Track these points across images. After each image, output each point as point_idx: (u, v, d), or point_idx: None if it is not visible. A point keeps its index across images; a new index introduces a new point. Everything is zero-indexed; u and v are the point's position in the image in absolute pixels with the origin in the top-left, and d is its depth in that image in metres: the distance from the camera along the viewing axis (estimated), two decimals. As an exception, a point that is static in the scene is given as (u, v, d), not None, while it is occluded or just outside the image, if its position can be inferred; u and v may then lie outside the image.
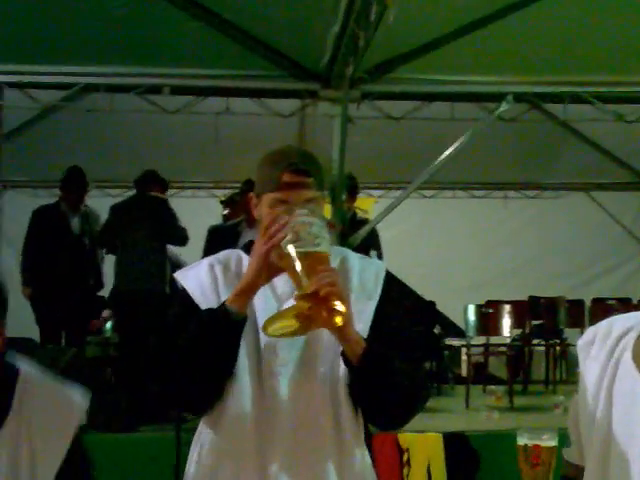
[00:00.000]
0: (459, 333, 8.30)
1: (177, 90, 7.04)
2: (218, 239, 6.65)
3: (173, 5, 5.60)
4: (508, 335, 7.83)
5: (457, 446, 5.38)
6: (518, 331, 8.11)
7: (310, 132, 7.88)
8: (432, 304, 8.38)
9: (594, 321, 1.78)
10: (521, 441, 1.84)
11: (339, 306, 1.81)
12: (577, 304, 8.77)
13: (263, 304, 2.01)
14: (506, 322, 7.67)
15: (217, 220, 7.65)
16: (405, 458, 5.25)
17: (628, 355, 1.64)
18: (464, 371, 8.24)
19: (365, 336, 1.99)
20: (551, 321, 8.49)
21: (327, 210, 5.91)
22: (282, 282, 2.03)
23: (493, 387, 7.44)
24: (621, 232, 10.34)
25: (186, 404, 2.12)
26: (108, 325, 7.62)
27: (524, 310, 8.00)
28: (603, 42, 6.05)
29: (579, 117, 7.78)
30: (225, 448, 2.01)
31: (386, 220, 7.13)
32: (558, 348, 8.63)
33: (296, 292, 1.86)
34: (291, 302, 1.91)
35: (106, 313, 7.42)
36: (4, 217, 8.01)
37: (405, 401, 2.04)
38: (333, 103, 6.61)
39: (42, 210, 7.22)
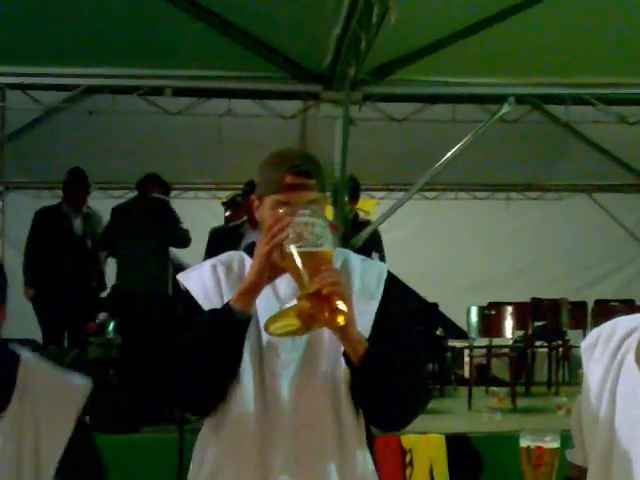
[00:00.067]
0: (461, 335, 8.29)
1: (179, 92, 7.05)
2: (220, 241, 6.65)
3: (175, 6, 5.60)
4: (510, 337, 7.81)
5: (460, 448, 5.37)
6: (520, 333, 8.10)
7: (312, 134, 7.88)
8: (434, 305, 8.37)
9: (597, 323, 1.79)
10: (524, 443, 1.84)
11: (341, 305, 1.81)
12: (580, 306, 8.76)
13: (265, 305, 2.02)
14: (508, 324, 7.66)
15: (219, 222, 7.65)
16: (408, 459, 5.25)
17: (631, 357, 1.64)
18: (466, 373, 8.24)
19: (366, 337, 1.99)
20: (554, 323, 8.48)
21: (329, 212, 5.90)
22: (284, 284, 2.04)
23: (495, 389, 7.42)
24: (623, 234, 10.33)
25: (190, 405, 2.13)
26: (110, 326, 7.61)
27: (526, 312, 7.99)
28: (605, 44, 6.04)
29: (581, 119, 7.78)
30: (228, 449, 2.01)
31: (388, 222, 7.13)
32: (561, 350, 8.62)
33: (298, 292, 1.86)
34: (293, 303, 1.91)
35: (102, 316, 7.39)
36: (6, 218, 7.99)
37: (406, 402, 2.04)
38: (335, 105, 6.61)
39: (44, 211, 7.23)
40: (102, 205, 7.64)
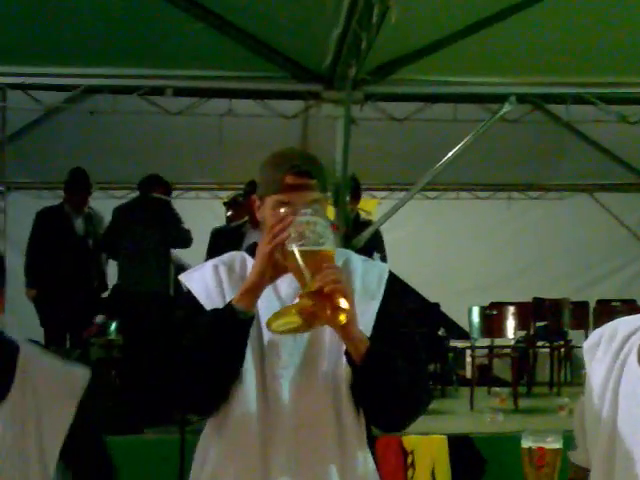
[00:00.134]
0: (463, 335, 8.29)
1: (180, 92, 7.04)
2: (221, 241, 6.65)
3: (176, 7, 5.60)
4: (512, 337, 7.81)
5: (462, 448, 5.37)
6: (522, 333, 8.10)
7: (313, 133, 7.88)
8: (436, 306, 8.38)
9: (598, 323, 1.79)
10: (525, 443, 1.83)
11: (343, 303, 1.81)
12: (581, 306, 8.76)
13: (266, 305, 2.01)
14: (510, 324, 7.66)
15: (220, 222, 7.65)
16: (409, 460, 5.25)
17: (633, 357, 1.64)
18: (468, 373, 8.23)
19: (367, 336, 1.99)
20: (555, 323, 8.48)
21: (330, 212, 5.90)
22: (285, 284, 2.04)
23: (497, 389, 7.42)
24: (625, 233, 10.32)
25: (193, 405, 2.13)
26: (112, 327, 7.61)
27: (528, 312, 7.99)
28: (606, 43, 6.03)
29: (582, 118, 7.78)
30: (230, 449, 2.01)
31: (389, 221, 7.12)
32: (562, 350, 8.62)
33: (301, 292, 1.86)
34: (296, 302, 1.91)
35: (100, 318, 7.36)
36: (8, 219, 7.99)
37: (407, 402, 2.04)
38: (336, 104, 6.61)
39: (46, 212, 7.23)
40: (103, 205, 7.64)
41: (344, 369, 1.99)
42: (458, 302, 8.34)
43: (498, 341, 7.90)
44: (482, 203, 10.29)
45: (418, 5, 5.39)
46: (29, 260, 7.13)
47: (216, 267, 2.12)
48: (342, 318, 1.83)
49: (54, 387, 1.98)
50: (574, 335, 8.55)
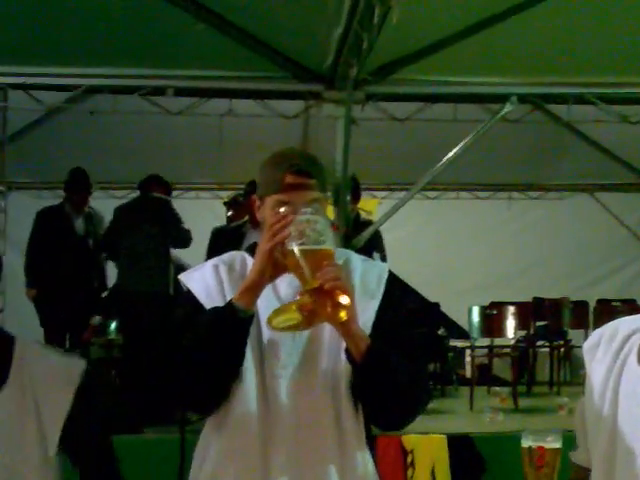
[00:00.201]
0: (463, 334, 8.29)
1: (180, 92, 7.04)
2: (222, 241, 6.65)
3: (176, 6, 5.60)
4: (512, 336, 7.81)
5: (461, 448, 5.37)
6: (522, 332, 8.09)
7: (314, 133, 7.87)
8: (436, 305, 8.38)
9: (598, 322, 1.79)
10: (525, 443, 1.84)
11: (344, 300, 1.82)
12: (581, 305, 8.76)
13: (266, 305, 2.01)
14: (510, 323, 7.66)
15: (221, 222, 7.65)
16: (409, 460, 5.25)
17: (633, 357, 1.64)
18: (468, 372, 8.23)
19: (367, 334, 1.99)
20: (555, 322, 8.48)
21: (330, 212, 5.91)
22: (285, 284, 2.04)
23: (497, 389, 7.43)
24: (625, 233, 10.32)
25: (193, 404, 2.13)
26: (112, 327, 7.62)
27: (528, 311, 7.99)
28: (607, 43, 6.03)
29: (583, 118, 7.77)
30: (229, 448, 2.02)
31: (389, 221, 7.12)
32: (562, 350, 8.62)
33: (300, 291, 1.86)
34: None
35: (96, 319, 7.34)
36: (8, 219, 8.00)
37: (406, 401, 2.04)
38: (337, 104, 6.61)
39: (46, 211, 7.23)
40: (103, 205, 7.64)
41: (343, 368, 1.99)
42: (458, 302, 8.34)
43: (498, 341, 7.90)
44: (482, 203, 10.29)
45: (419, 5, 5.39)
46: (29, 260, 7.13)
47: (216, 267, 2.12)
48: (342, 315, 1.83)
49: (51, 375, 2.01)
50: (574, 335, 8.55)
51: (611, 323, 1.73)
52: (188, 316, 2.06)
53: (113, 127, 7.90)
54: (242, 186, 7.05)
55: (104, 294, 7.38)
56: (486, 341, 7.86)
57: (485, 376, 7.96)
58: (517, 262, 10.10)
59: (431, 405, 2.02)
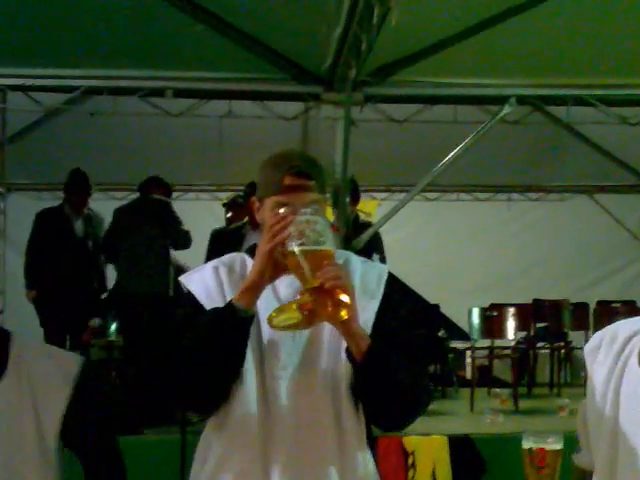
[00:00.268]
0: (463, 336, 8.28)
1: (180, 93, 7.05)
2: (221, 242, 6.65)
3: (176, 8, 5.60)
4: (512, 338, 7.81)
5: (462, 449, 5.37)
6: (522, 334, 8.09)
7: (313, 135, 7.88)
8: (436, 307, 8.37)
9: (598, 324, 1.80)
10: (526, 444, 1.83)
11: (344, 298, 1.81)
12: (581, 307, 8.75)
13: (265, 306, 2.01)
14: (510, 325, 7.66)
15: (220, 223, 7.64)
16: (410, 461, 5.24)
17: (634, 359, 1.64)
18: (469, 374, 8.23)
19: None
20: (555, 324, 8.47)
21: (329, 213, 5.90)
22: (285, 285, 2.04)
23: (498, 390, 7.42)
24: (625, 235, 10.32)
25: (194, 404, 2.13)
26: (112, 328, 7.61)
27: (528, 313, 7.98)
28: (606, 44, 6.04)
29: (582, 119, 7.78)
30: (230, 449, 2.01)
31: (389, 223, 7.13)
32: (563, 351, 8.62)
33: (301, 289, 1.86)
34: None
35: (94, 321, 7.33)
36: (7, 220, 8.00)
37: (407, 401, 2.03)
38: (336, 106, 6.62)
39: (45, 213, 7.22)
40: (103, 206, 7.63)
41: (344, 368, 1.99)
42: (458, 303, 8.34)
43: (498, 342, 7.90)
44: (482, 204, 10.30)
45: (418, 7, 5.40)
46: (29, 261, 7.12)
47: (216, 268, 2.12)
48: (343, 314, 1.83)
49: (48, 370, 2.02)
50: (574, 336, 8.55)
51: (612, 325, 1.73)
52: (188, 316, 2.06)
53: (113, 128, 7.90)
54: (242, 187, 7.05)
55: (104, 295, 7.37)
56: (486, 342, 7.86)
57: (485, 377, 7.95)
58: (517, 263, 10.10)
59: (432, 406, 2.02)
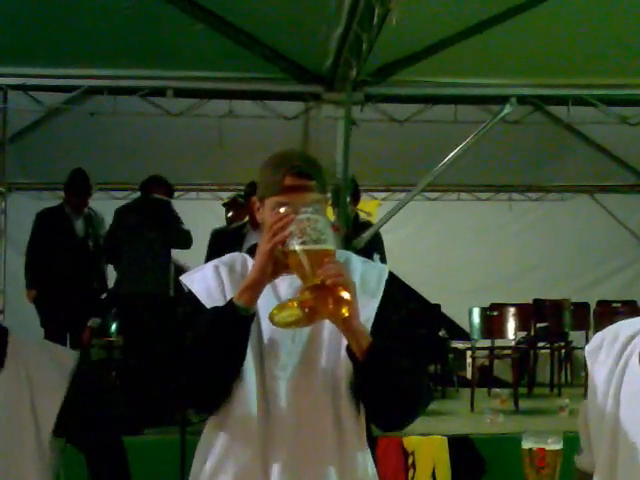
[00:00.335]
0: (464, 336, 8.28)
1: (181, 93, 7.04)
2: (221, 242, 6.64)
3: (177, 7, 5.60)
4: (513, 338, 7.81)
5: (462, 449, 5.37)
6: (523, 334, 8.10)
7: (314, 135, 7.88)
8: (437, 307, 8.37)
9: (599, 324, 1.80)
10: (526, 444, 1.83)
11: (346, 295, 1.81)
12: (582, 307, 8.75)
13: (265, 305, 2.01)
14: (511, 325, 7.66)
15: (221, 223, 7.64)
16: (410, 461, 5.25)
17: (635, 359, 1.64)
18: (469, 374, 8.23)
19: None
20: (556, 324, 8.47)
21: (330, 214, 5.90)
22: (285, 285, 2.04)
23: (498, 390, 7.42)
24: (626, 234, 10.32)
25: (194, 403, 2.16)
26: (113, 328, 7.61)
27: (529, 313, 7.99)
28: (607, 44, 6.04)
29: (583, 119, 7.78)
30: (230, 449, 2.02)
31: (390, 222, 7.12)
32: (563, 351, 8.62)
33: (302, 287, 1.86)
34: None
35: (93, 322, 7.32)
36: (8, 220, 8.01)
37: (407, 401, 2.03)
38: (336, 106, 6.61)
39: (46, 213, 7.22)
40: (104, 206, 7.63)
41: (344, 368, 1.99)
42: (459, 303, 8.34)
43: (499, 342, 7.90)
44: (483, 204, 10.29)
45: (419, 7, 5.39)
46: (29, 261, 7.12)
47: (217, 268, 2.13)
48: (344, 311, 1.83)
49: (45, 364, 2.04)
50: (575, 336, 8.54)
51: (612, 326, 1.73)
52: (189, 315, 2.07)
53: (113, 128, 7.90)
54: (242, 187, 7.05)
55: (104, 295, 7.37)
56: (487, 342, 7.85)
57: (486, 377, 7.95)
58: (517, 263, 10.10)
59: (432, 406, 2.02)
